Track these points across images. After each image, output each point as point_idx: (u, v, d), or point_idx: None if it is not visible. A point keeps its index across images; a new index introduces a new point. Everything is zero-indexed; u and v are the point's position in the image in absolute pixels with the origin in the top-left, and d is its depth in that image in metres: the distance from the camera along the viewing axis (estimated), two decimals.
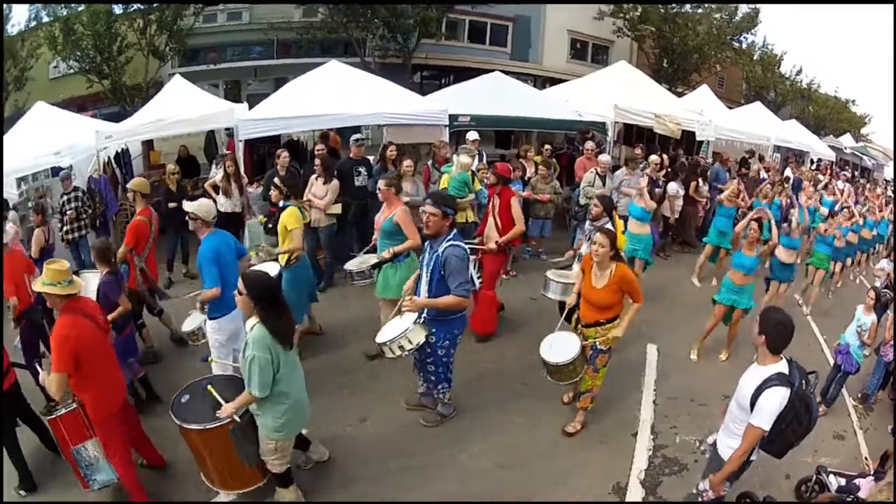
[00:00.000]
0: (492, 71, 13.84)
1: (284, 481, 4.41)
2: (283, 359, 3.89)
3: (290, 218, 6.24)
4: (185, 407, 4.27)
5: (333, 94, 10.41)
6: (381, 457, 5.24)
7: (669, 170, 11.56)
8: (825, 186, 15.13)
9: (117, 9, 20.88)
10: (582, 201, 9.85)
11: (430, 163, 9.65)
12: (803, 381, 3.60)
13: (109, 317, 4.99)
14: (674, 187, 10.82)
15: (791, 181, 14.29)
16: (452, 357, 5.30)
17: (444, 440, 5.49)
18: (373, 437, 5.53)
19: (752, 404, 3.56)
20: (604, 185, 9.83)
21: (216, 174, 9.92)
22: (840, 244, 10.11)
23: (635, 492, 5.04)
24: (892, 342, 7.10)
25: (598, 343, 5.26)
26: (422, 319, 4.92)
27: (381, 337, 4.96)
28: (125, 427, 4.51)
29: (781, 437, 3.58)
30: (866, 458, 5.98)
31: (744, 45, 28.95)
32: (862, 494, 4.89)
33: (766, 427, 3.53)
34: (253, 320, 3.90)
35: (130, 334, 5.79)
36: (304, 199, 7.93)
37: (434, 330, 5.00)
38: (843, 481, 5.06)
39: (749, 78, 32.62)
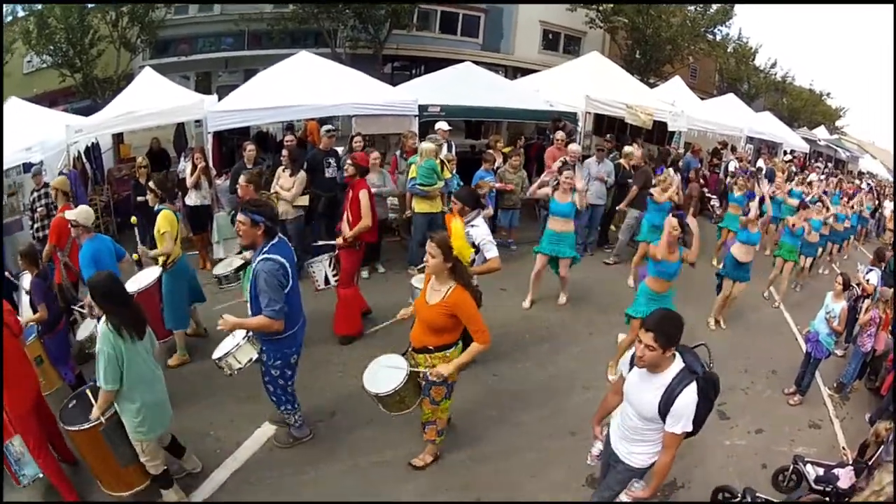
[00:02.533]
0: (463, 61, 13.73)
1: (164, 482, 4.47)
2: (127, 355, 3.93)
3: (162, 221, 6.20)
4: (70, 411, 4.35)
5: (302, 85, 10.30)
6: (349, 454, 5.20)
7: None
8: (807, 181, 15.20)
9: None
10: None
11: (398, 153, 9.61)
12: (702, 364, 3.43)
13: (24, 320, 5.13)
14: None
15: (764, 171, 14.48)
16: (291, 380, 4.89)
17: (410, 435, 5.32)
18: (344, 429, 5.49)
19: (663, 413, 3.36)
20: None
21: (185, 167, 9.84)
22: (813, 239, 9.89)
23: None
24: (868, 332, 7.19)
25: (428, 374, 4.44)
26: (250, 336, 4.60)
27: (216, 353, 4.69)
28: (42, 422, 4.60)
29: (697, 423, 3.41)
30: (844, 448, 6.03)
31: (718, 38, 29.16)
32: (841, 484, 4.90)
33: (690, 428, 3.37)
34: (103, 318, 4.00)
35: (62, 334, 5.71)
36: (272, 191, 7.89)
37: (264, 348, 4.66)
38: (821, 471, 5.05)
39: (722, 70, 32.91)
